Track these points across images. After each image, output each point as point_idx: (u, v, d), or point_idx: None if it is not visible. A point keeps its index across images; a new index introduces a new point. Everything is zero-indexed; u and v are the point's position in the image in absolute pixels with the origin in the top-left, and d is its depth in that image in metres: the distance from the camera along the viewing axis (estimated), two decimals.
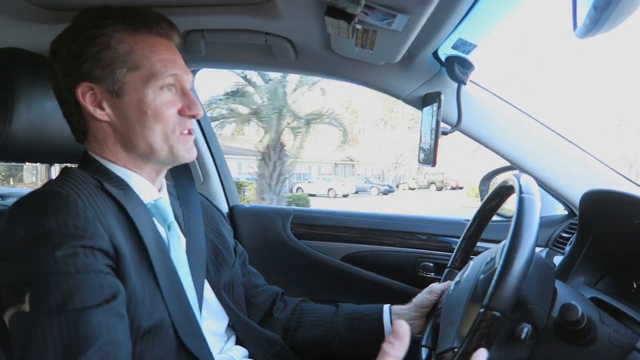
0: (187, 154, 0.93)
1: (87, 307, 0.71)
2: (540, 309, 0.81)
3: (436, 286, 1.14)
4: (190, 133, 0.94)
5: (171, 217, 0.96)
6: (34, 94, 1.00)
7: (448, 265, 1.19)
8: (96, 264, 0.75)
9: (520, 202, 0.81)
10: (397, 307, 1.15)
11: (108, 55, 0.86)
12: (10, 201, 1.10)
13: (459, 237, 1.23)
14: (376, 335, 1.11)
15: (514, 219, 0.79)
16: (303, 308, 1.20)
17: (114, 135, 0.90)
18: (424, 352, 1.03)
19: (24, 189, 1.37)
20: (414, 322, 1.11)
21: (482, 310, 0.73)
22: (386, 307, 1.15)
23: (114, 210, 0.83)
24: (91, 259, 0.75)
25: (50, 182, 0.83)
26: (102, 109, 0.88)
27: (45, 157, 1.13)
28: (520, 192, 0.83)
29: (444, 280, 1.18)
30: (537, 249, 0.79)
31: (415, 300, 1.14)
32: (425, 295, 1.13)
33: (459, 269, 1.15)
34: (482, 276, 0.89)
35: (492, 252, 0.94)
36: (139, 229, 0.84)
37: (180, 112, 0.91)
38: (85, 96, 0.88)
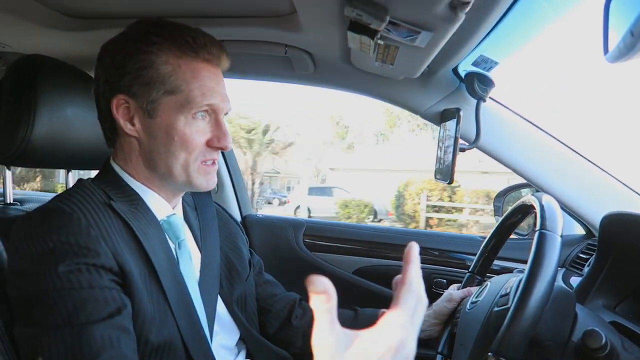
0: (205, 184, 0.92)
1: (92, 322, 0.72)
2: (554, 345, 0.80)
3: (455, 294, 1.15)
4: (213, 163, 0.92)
5: (183, 235, 0.95)
6: (56, 101, 1.01)
7: (469, 270, 1.20)
8: (100, 280, 0.75)
9: (540, 239, 0.78)
10: None
11: (149, 73, 0.85)
12: (28, 206, 1.11)
13: (473, 254, 1.23)
14: None
15: (530, 258, 0.77)
16: None
17: (139, 151, 0.90)
18: (438, 359, 1.05)
19: (42, 194, 1.38)
20: (433, 328, 1.14)
21: (490, 354, 0.73)
22: None
23: (121, 228, 0.83)
24: (95, 275, 0.75)
25: (58, 198, 0.83)
26: (133, 124, 0.88)
27: (65, 163, 1.13)
28: (542, 226, 0.79)
29: (465, 286, 1.18)
30: None
31: (434, 306, 1.16)
32: (444, 304, 1.15)
33: (480, 275, 1.18)
34: (495, 309, 0.88)
35: (508, 283, 0.92)
36: (146, 247, 0.84)
37: (209, 143, 0.89)
38: (119, 108, 0.87)
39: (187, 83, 0.86)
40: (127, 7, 1.17)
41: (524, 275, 0.76)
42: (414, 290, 0.52)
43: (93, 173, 1.01)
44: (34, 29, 1.23)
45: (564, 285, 0.89)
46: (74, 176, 1.20)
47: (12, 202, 1.12)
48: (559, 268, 1.44)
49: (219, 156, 0.93)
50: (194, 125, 0.87)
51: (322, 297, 0.48)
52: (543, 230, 0.78)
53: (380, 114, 29.63)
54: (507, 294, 0.87)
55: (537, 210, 0.84)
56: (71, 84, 1.04)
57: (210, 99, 0.87)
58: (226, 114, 0.93)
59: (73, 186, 0.89)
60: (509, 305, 0.83)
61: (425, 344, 1.15)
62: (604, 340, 0.74)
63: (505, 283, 0.93)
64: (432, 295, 1.60)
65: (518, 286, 0.78)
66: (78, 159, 1.12)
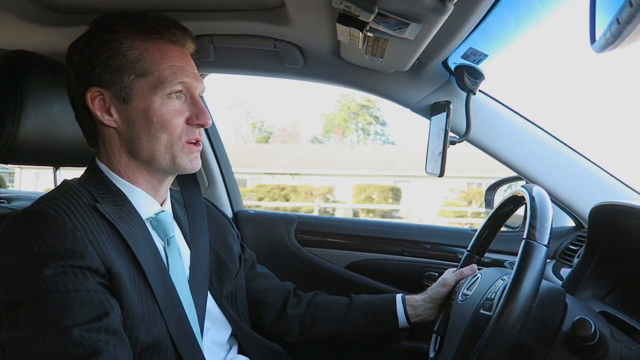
0: (189, 165, 0.92)
1: (79, 325, 0.72)
2: (539, 346, 0.81)
3: (449, 278, 1.16)
4: (197, 143, 0.92)
5: (172, 232, 0.95)
6: (42, 97, 1.00)
7: (468, 249, 1.19)
8: (86, 283, 0.75)
9: (525, 250, 0.77)
10: (411, 299, 1.17)
11: (117, 61, 0.86)
12: (15, 204, 1.09)
13: (464, 247, 1.23)
14: (390, 326, 1.15)
15: (515, 269, 0.77)
16: (317, 302, 1.21)
17: (120, 142, 0.90)
18: (434, 337, 1.08)
19: (31, 192, 1.36)
20: (428, 312, 1.14)
21: None
22: (399, 297, 1.17)
23: (107, 229, 0.83)
24: (81, 278, 0.75)
25: (42, 200, 0.83)
26: (110, 114, 0.88)
27: (52, 160, 1.12)
28: (529, 234, 0.79)
29: (463, 265, 1.18)
30: None
31: (429, 291, 1.16)
32: (438, 288, 1.15)
33: (479, 254, 1.18)
34: (481, 311, 0.89)
35: (495, 285, 0.92)
36: (133, 248, 0.84)
37: (188, 121, 0.90)
38: (94, 101, 0.88)
39: (156, 64, 0.87)
40: (112, 1, 1.16)
41: (507, 285, 0.77)
42: None
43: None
44: (18, 24, 1.21)
45: (552, 283, 0.89)
46: (61, 176, 1.19)
47: None
48: (550, 260, 1.44)
49: (202, 136, 0.94)
50: (170, 105, 0.88)
51: None
52: (530, 241, 0.78)
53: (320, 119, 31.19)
54: (492, 299, 0.88)
55: (527, 209, 0.84)
56: (57, 80, 1.03)
57: (182, 77, 0.88)
58: (201, 95, 0.94)
59: (57, 187, 0.89)
60: (491, 313, 0.84)
61: (421, 327, 1.17)
62: (593, 329, 0.75)
63: (492, 284, 0.93)
64: (424, 289, 1.61)
65: (502, 294, 0.79)
66: (66, 156, 1.10)
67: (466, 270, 1.14)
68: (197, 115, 0.90)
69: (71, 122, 1.03)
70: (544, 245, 0.77)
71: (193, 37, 0.95)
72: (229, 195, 1.88)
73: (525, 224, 0.82)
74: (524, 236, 0.79)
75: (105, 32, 0.87)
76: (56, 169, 1.20)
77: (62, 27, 1.23)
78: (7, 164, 1.03)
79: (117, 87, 0.86)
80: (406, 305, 1.16)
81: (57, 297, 0.72)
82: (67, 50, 0.91)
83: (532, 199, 0.85)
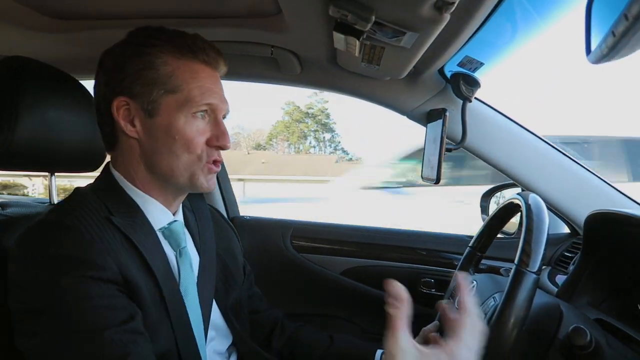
0: (206, 184, 0.92)
1: (108, 327, 0.72)
2: (533, 358, 0.81)
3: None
4: (216, 164, 0.92)
5: (184, 242, 0.95)
6: (39, 103, 0.99)
7: (470, 245, 1.18)
8: (108, 290, 0.75)
9: (515, 277, 0.77)
10: None
11: (150, 74, 0.86)
12: (10, 211, 1.08)
13: (460, 254, 1.23)
14: None
15: (504, 296, 0.77)
16: (298, 337, 1.19)
17: (139, 153, 0.90)
18: None
19: (26, 198, 1.36)
20: None
21: None
22: (378, 354, 1.11)
23: (123, 241, 0.82)
24: (103, 287, 0.75)
25: (57, 212, 0.82)
26: (134, 125, 0.88)
27: (48, 166, 1.11)
28: (520, 261, 0.78)
29: (464, 261, 1.17)
30: None
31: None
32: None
33: (481, 252, 1.17)
34: None
35: (487, 304, 0.92)
36: (147, 259, 0.84)
37: (208, 142, 0.90)
38: (120, 110, 0.87)
39: (186, 83, 0.87)
40: (110, 8, 1.16)
41: (496, 312, 0.77)
42: (473, 317, 0.64)
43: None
44: (15, 31, 1.21)
45: (547, 295, 0.89)
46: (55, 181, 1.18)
47: None
48: (545, 267, 1.45)
49: (221, 157, 0.94)
50: (194, 124, 0.88)
51: (397, 302, 0.58)
52: (520, 269, 0.78)
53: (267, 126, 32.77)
54: (483, 317, 0.88)
55: (523, 225, 0.84)
56: (53, 86, 1.03)
57: (209, 99, 0.89)
58: (224, 116, 0.94)
59: (71, 196, 0.88)
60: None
61: None
62: (589, 338, 0.75)
63: (485, 301, 0.93)
64: (420, 295, 1.61)
65: (492, 317, 0.79)
66: (62, 162, 1.10)
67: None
68: (217, 137, 0.90)
69: (67, 128, 1.03)
70: (534, 273, 0.77)
71: (225, 60, 0.95)
72: (224, 201, 1.88)
73: (520, 234, 0.82)
74: (515, 262, 0.79)
75: (141, 44, 0.87)
76: (52, 175, 1.19)
77: (59, 33, 1.23)
78: (3, 169, 1.02)
79: (145, 99, 0.86)
80: None
81: (83, 303, 0.73)
82: (101, 56, 0.91)
83: (528, 210, 0.85)
